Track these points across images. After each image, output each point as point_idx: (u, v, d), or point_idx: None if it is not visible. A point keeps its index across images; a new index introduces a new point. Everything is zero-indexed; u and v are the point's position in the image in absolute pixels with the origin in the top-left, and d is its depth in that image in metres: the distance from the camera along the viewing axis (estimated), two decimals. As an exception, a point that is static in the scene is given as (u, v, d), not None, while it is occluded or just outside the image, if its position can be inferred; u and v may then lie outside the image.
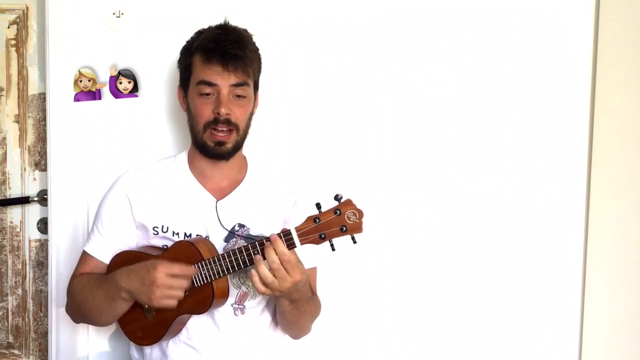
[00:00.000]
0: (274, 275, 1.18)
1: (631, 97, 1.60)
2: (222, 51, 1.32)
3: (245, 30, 1.39)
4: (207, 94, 1.34)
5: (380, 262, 1.67)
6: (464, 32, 1.63)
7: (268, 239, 1.20)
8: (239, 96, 1.35)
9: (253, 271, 1.19)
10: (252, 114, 1.42)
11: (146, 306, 1.31)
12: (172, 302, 1.24)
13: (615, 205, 1.63)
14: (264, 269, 1.18)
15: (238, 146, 1.38)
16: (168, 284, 1.22)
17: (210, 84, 1.33)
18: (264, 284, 1.19)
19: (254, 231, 1.38)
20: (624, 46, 1.60)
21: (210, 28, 1.38)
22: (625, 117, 1.61)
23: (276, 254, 1.17)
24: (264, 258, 1.19)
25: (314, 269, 1.44)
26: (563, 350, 1.67)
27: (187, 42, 1.40)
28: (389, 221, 1.66)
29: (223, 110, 1.32)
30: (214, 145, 1.35)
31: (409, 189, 1.66)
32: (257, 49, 1.40)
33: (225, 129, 1.34)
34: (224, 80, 1.33)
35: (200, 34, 1.39)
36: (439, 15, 1.64)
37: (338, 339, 1.68)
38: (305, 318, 1.38)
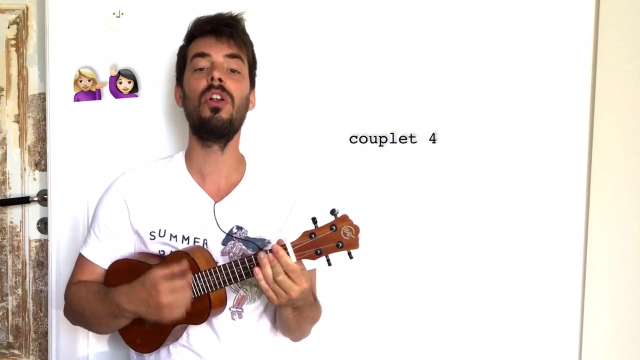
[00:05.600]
0: (279, 287, 1.17)
1: (631, 97, 1.60)
2: (216, 24, 1.34)
3: (240, 16, 1.40)
4: (202, 69, 1.34)
5: (379, 266, 1.67)
6: (464, 32, 1.63)
7: (266, 252, 1.19)
8: (233, 70, 1.35)
9: (261, 281, 1.18)
10: (247, 100, 1.40)
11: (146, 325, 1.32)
12: (182, 312, 1.22)
13: (615, 205, 1.63)
14: (268, 270, 1.17)
15: (233, 124, 1.35)
16: (174, 301, 1.20)
17: (203, 54, 1.34)
18: (271, 288, 1.18)
19: (252, 233, 1.37)
20: (624, 46, 1.60)
21: None
22: (625, 117, 1.61)
23: (280, 266, 1.16)
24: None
25: (313, 271, 1.44)
26: (563, 350, 1.67)
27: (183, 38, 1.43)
28: (387, 222, 1.66)
29: (216, 74, 1.31)
30: (210, 114, 1.32)
31: (407, 190, 1.66)
32: (250, 41, 1.42)
33: (218, 95, 1.32)
34: (217, 50, 1.34)
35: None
36: (439, 15, 1.64)
37: (337, 342, 1.68)
38: (308, 323, 1.39)
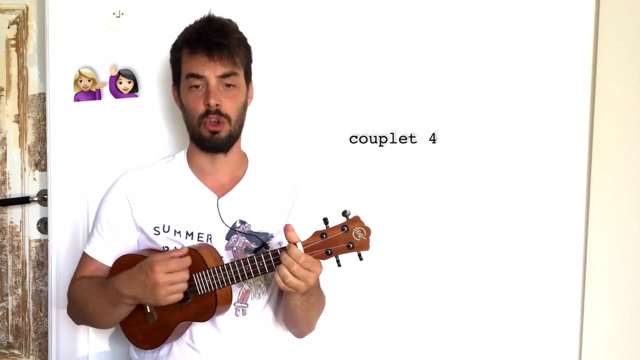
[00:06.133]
0: (295, 277, 1.18)
1: (631, 97, 1.60)
2: (206, 41, 1.33)
3: (230, 20, 1.39)
4: (197, 86, 1.35)
5: (379, 266, 1.66)
6: (464, 32, 1.63)
7: (276, 251, 1.21)
8: (228, 85, 1.35)
9: (278, 278, 1.19)
10: (246, 104, 1.41)
11: (148, 310, 1.32)
12: (179, 296, 1.25)
13: (615, 205, 1.63)
14: (283, 269, 1.18)
15: (233, 137, 1.38)
16: (169, 281, 1.22)
17: (197, 76, 1.34)
18: (287, 284, 1.19)
19: (255, 227, 1.38)
20: (624, 46, 1.60)
21: (195, 22, 1.40)
22: (625, 117, 1.61)
23: (292, 258, 1.17)
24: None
25: None
26: (563, 350, 1.67)
27: (176, 39, 1.42)
28: (387, 222, 1.65)
29: (212, 101, 1.33)
30: (209, 135, 1.35)
31: (407, 190, 1.66)
32: (243, 38, 1.41)
33: (216, 119, 1.34)
34: (210, 70, 1.33)
35: (185, 28, 1.41)
36: (439, 15, 1.63)
37: (337, 340, 1.68)
38: (315, 310, 1.39)
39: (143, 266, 1.25)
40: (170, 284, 1.23)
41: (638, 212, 1.61)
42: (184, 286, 1.24)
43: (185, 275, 1.24)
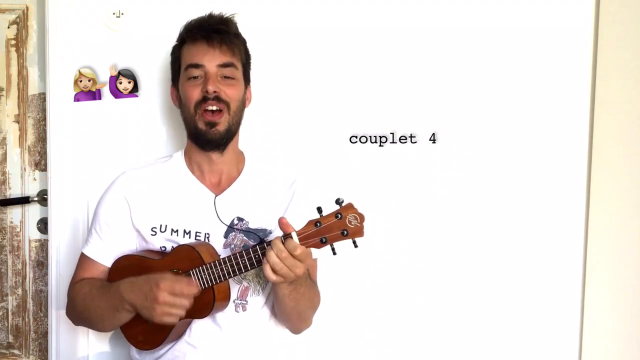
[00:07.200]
0: (284, 264, 1.18)
1: (631, 97, 1.60)
2: (206, 29, 1.34)
3: (231, 17, 1.40)
4: (196, 77, 1.35)
5: (379, 266, 1.67)
6: (464, 32, 1.63)
7: (269, 243, 1.20)
8: (227, 77, 1.35)
9: (265, 264, 1.19)
10: (244, 101, 1.42)
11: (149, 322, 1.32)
12: (173, 320, 1.24)
13: (615, 205, 1.63)
14: (273, 256, 1.18)
15: (231, 131, 1.37)
16: (170, 302, 1.22)
17: (197, 66, 1.34)
18: (275, 272, 1.18)
19: (253, 224, 1.39)
20: (624, 46, 1.60)
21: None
22: (625, 117, 1.61)
23: (284, 247, 1.17)
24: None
25: (314, 260, 1.45)
26: (563, 350, 1.66)
27: (177, 37, 1.43)
28: (387, 222, 1.65)
29: (210, 88, 1.32)
30: (205, 127, 1.35)
31: (407, 190, 1.66)
32: (243, 39, 1.42)
33: (215, 106, 1.33)
34: (210, 58, 1.33)
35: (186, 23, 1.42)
36: (439, 15, 1.64)
37: (337, 335, 1.69)
38: (305, 303, 1.37)
39: (150, 278, 1.24)
40: (169, 306, 1.22)
41: (638, 212, 1.61)
42: (182, 313, 1.23)
43: (186, 302, 1.22)
